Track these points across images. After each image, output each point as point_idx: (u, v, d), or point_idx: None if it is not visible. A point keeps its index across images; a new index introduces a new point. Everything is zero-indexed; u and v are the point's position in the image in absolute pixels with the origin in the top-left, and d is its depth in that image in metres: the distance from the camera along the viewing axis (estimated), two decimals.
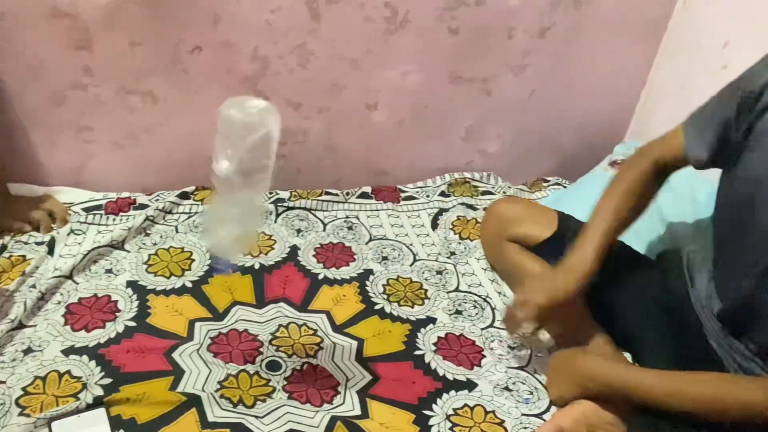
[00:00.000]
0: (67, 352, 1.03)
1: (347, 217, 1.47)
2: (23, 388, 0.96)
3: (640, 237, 1.35)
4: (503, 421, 1.03)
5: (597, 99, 1.69)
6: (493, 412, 1.05)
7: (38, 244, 1.24)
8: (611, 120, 1.75)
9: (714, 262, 1.06)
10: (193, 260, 1.26)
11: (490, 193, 1.62)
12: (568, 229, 1.23)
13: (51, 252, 1.22)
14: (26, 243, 1.24)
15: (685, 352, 1.07)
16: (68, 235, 1.27)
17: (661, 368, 1.04)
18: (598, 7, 1.52)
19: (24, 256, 1.20)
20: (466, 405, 1.05)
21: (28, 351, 1.03)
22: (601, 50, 1.60)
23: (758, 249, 0.91)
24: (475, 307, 1.27)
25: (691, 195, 1.36)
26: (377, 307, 1.23)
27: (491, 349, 1.18)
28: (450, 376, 1.10)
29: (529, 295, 1.07)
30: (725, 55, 1.44)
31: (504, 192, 1.63)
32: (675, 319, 1.12)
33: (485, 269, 1.36)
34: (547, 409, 1.07)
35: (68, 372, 1.00)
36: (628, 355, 1.16)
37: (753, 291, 0.93)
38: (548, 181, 1.70)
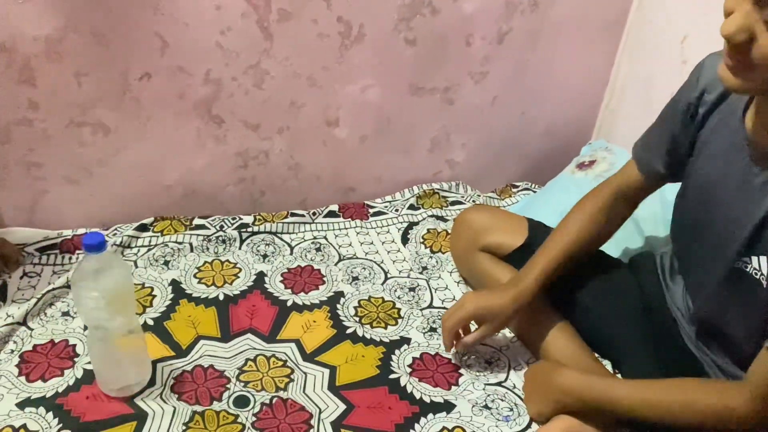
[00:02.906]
0: (22, 405, 0.98)
1: (315, 238, 1.43)
2: None
3: (614, 240, 1.33)
4: None
5: (560, 101, 1.68)
6: None
7: None
8: (576, 121, 1.74)
9: (681, 267, 1.05)
10: (154, 296, 1.21)
11: (460, 203, 1.59)
12: (538, 236, 1.21)
13: (3, 298, 1.17)
14: None
15: (664, 355, 1.06)
16: (21, 278, 1.21)
17: (640, 373, 1.03)
18: (555, 10, 1.51)
19: None
20: (444, 428, 1.01)
21: None
22: (561, 52, 1.58)
23: (715, 254, 0.90)
24: None
25: (660, 195, 1.34)
26: (349, 331, 1.19)
27: (468, 366, 1.14)
28: (427, 399, 1.07)
29: (463, 301, 1.10)
30: (684, 50, 1.44)
31: (473, 201, 1.61)
32: (652, 322, 1.10)
33: (458, 282, 1.34)
34: (528, 426, 1.04)
35: (24, 426, 0.94)
36: (607, 363, 1.14)
37: (716, 298, 0.91)
38: (517, 186, 1.68)
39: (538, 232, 1.22)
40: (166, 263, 1.30)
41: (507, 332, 1.22)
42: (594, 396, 0.95)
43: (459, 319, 1.09)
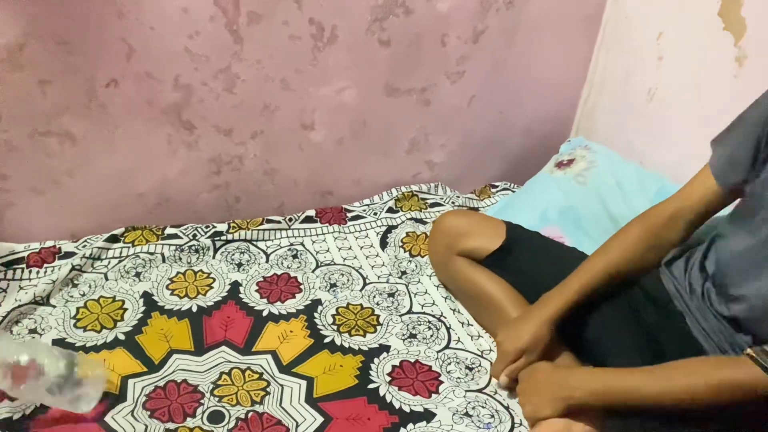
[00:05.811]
0: None
1: (291, 244, 1.40)
2: None
3: (592, 239, 1.32)
4: None
5: (539, 99, 1.66)
6: None
7: None
8: (555, 119, 1.72)
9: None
10: (125, 309, 1.18)
11: (439, 204, 1.57)
12: (515, 238, 1.19)
13: None
14: None
15: (655, 346, 1.03)
16: None
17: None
18: (531, 6, 1.49)
19: None
20: None
21: None
22: (538, 50, 1.57)
23: None
24: (429, 328, 1.21)
25: (642, 190, 1.33)
26: (327, 340, 1.16)
27: (448, 372, 1.12)
28: (407, 408, 1.05)
29: (505, 346, 1.07)
30: (660, 46, 1.43)
31: (453, 202, 1.59)
32: (650, 320, 1.07)
33: (437, 286, 1.32)
34: None
35: None
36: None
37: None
38: (497, 186, 1.66)
39: (515, 234, 1.20)
40: (138, 275, 1.26)
41: (487, 336, 1.21)
42: (607, 388, 0.93)
43: (515, 368, 1.06)
